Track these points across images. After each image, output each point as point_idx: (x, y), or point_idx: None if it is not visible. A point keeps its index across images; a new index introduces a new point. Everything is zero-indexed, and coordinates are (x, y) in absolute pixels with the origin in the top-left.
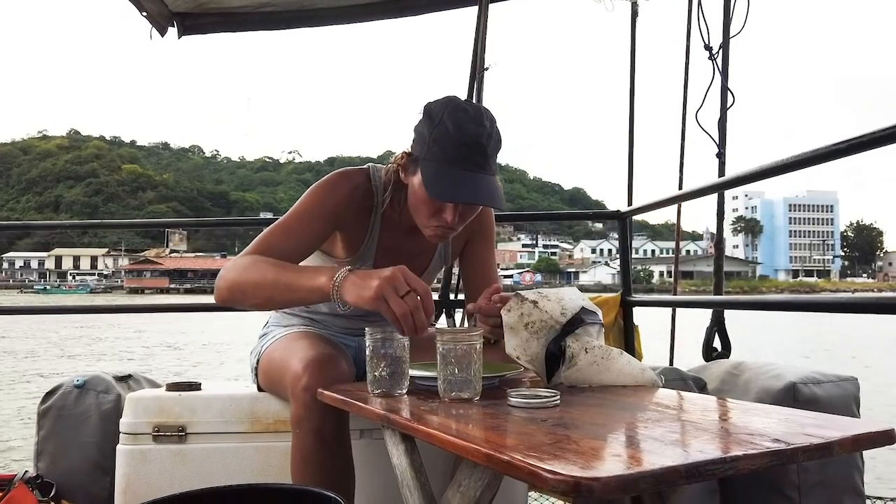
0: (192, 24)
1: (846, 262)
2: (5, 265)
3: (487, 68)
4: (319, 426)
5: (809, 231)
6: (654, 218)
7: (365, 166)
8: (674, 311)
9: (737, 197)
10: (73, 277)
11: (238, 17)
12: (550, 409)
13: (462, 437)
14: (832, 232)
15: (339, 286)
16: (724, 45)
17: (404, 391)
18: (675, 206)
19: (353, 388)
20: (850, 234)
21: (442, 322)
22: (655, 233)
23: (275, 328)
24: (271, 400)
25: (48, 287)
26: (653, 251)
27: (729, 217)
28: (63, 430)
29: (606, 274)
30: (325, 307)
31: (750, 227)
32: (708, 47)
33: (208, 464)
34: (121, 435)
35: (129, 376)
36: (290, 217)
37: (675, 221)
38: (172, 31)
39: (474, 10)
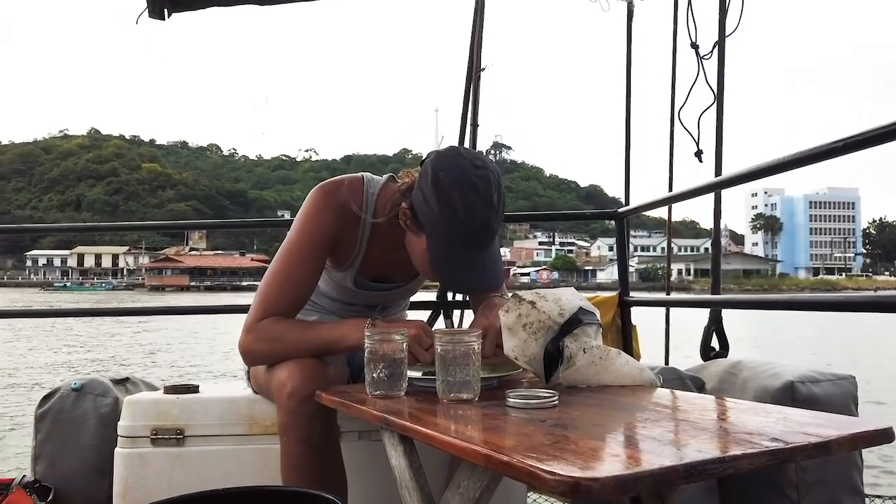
0: (181, 1)
1: (868, 260)
2: (28, 263)
3: (484, 69)
4: (306, 433)
5: (831, 228)
6: (673, 215)
7: (359, 175)
8: (667, 311)
9: (756, 194)
10: (95, 277)
11: None
12: (549, 410)
13: (461, 438)
14: (854, 229)
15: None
16: (720, 44)
17: (402, 392)
18: (691, 203)
19: (351, 389)
20: (872, 231)
21: (440, 323)
22: (674, 230)
23: None
24: (269, 403)
25: (68, 284)
26: (671, 249)
27: (748, 214)
28: (61, 433)
29: None
30: (328, 306)
31: (770, 225)
32: (694, 45)
33: (206, 466)
34: (119, 438)
35: (127, 379)
36: (285, 263)
37: (693, 219)
38: (164, 15)
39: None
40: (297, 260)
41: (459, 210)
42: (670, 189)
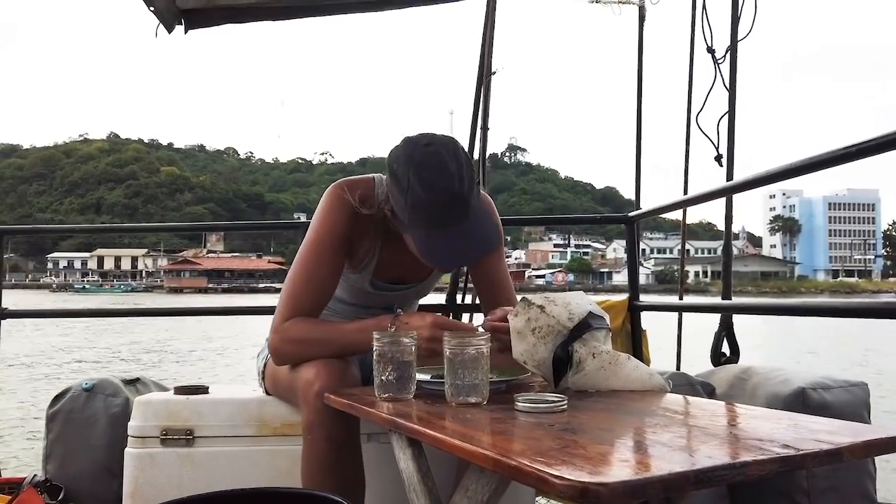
0: (197, 18)
1: (888, 262)
2: (49, 265)
3: (495, 72)
4: (331, 432)
5: (850, 230)
6: (690, 217)
7: (370, 176)
8: (680, 316)
9: (774, 196)
10: (116, 278)
11: (244, 11)
12: (558, 414)
13: (469, 441)
14: (874, 231)
15: None
16: (732, 49)
17: (411, 395)
18: (708, 205)
19: (360, 392)
20: (892, 233)
21: None
22: (690, 232)
23: None
24: (279, 403)
25: (86, 286)
26: (687, 251)
27: (766, 216)
28: (72, 433)
29: (640, 274)
30: (344, 311)
31: (788, 227)
32: (710, 49)
33: (216, 467)
34: (129, 438)
35: (137, 380)
36: (306, 263)
37: (710, 221)
38: (179, 28)
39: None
40: (317, 258)
41: (419, 192)
42: (685, 192)
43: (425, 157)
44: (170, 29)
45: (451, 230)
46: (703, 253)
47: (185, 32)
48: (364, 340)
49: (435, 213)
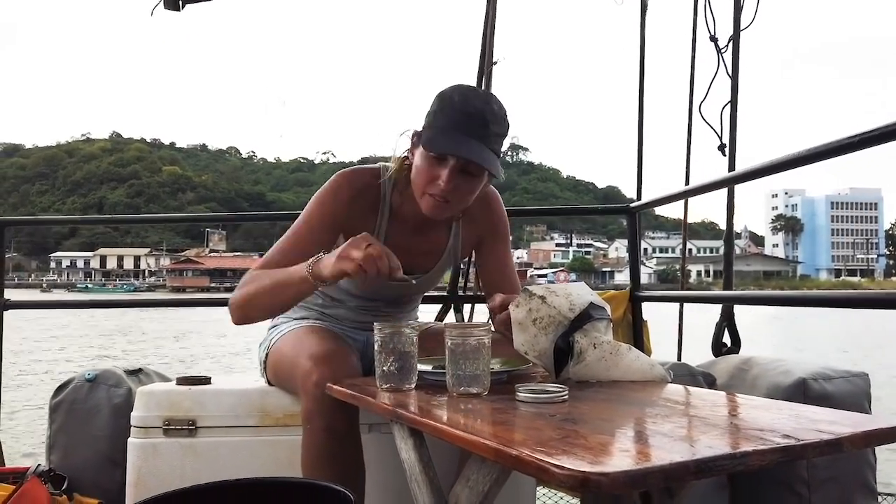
0: None
1: (891, 261)
2: (53, 265)
3: (496, 62)
4: (330, 422)
5: (852, 229)
6: (691, 216)
7: (376, 165)
8: (681, 306)
9: (776, 195)
10: (119, 278)
11: None
12: (559, 405)
13: (470, 432)
14: (876, 230)
15: (313, 267)
16: (735, 38)
17: (412, 386)
18: (710, 204)
19: (361, 382)
20: (895, 232)
21: (450, 317)
22: (692, 231)
23: (284, 321)
24: (280, 394)
25: (89, 286)
26: (690, 250)
27: (768, 215)
28: (75, 423)
29: (642, 273)
30: (336, 299)
31: (790, 226)
32: (713, 38)
33: (218, 457)
34: (132, 428)
35: (140, 370)
36: (292, 231)
37: (712, 220)
38: (179, 6)
39: None
40: (306, 229)
41: (455, 100)
42: (687, 182)
43: (478, 90)
44: (169, 4)
45: (464, 135)
46: (705, 252)
47: (182, 6)
48: (292, 273)
49: (457, 117)
